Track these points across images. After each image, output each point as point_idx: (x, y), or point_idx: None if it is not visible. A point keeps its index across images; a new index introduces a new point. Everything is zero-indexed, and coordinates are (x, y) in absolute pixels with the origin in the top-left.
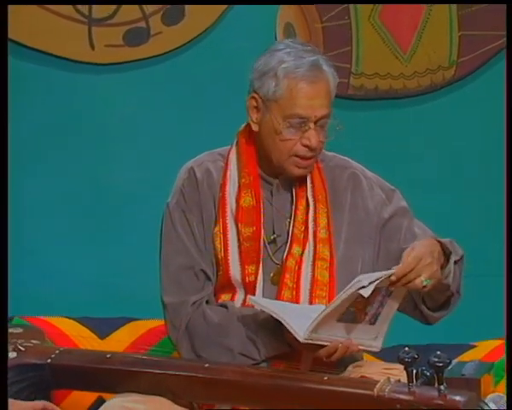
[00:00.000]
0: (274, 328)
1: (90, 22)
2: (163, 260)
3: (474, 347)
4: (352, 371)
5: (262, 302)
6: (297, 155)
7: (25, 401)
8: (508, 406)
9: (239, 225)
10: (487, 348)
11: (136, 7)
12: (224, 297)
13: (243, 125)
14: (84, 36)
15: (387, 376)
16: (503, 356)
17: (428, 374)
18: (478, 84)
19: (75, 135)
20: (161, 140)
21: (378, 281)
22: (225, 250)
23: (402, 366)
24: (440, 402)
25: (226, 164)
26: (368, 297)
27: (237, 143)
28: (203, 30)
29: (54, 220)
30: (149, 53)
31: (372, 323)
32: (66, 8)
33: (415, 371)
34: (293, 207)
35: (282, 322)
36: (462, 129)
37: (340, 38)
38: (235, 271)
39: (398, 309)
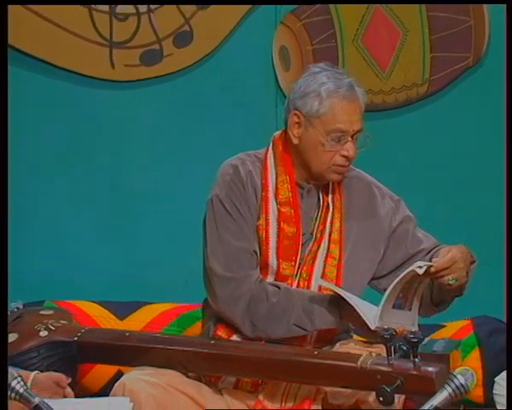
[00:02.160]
0: (328, 305)
1: (111, 45)
2: (221, 243)
3: (443, 326)
4: (338, 348)
5: (334, 288)
6: (335, 164)
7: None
8: (508, 405)
9: (281, 223)
10: (455, 327)
11: (151, 32)
12: None
13: (278, 132)
14: (105, 57)
15: (369, 351)
16: (470, 334)
17: (405, 348)
18: (447, 99)
19: (98, 143)
20: (173, 147)
21: (429, 264)
22: (266, 243)
23: (383, 346)
24: (415, 373)
25: (266, 167)
26: (410, 283)
27: (273, 148)
28: (209, 52)
29: (80, 218)
30: (163, 71)
31: (409, 309)
32: (91, 33)
33: (393, 347)
34: (319, 210)
35: (356, 308)
36: (434, 138)
37: (328, 59)
38: (272, 261)
39: None
